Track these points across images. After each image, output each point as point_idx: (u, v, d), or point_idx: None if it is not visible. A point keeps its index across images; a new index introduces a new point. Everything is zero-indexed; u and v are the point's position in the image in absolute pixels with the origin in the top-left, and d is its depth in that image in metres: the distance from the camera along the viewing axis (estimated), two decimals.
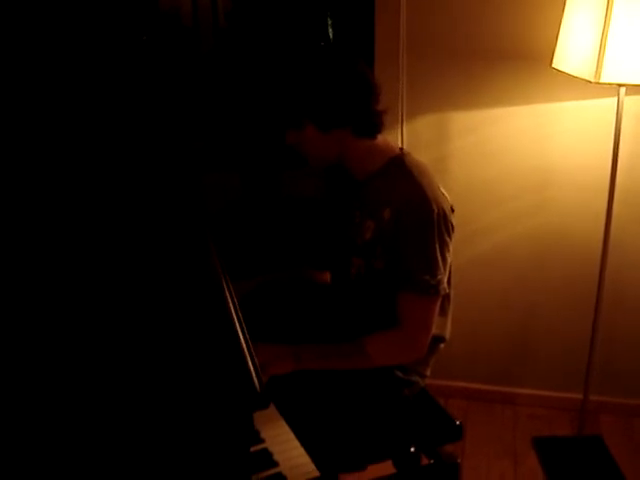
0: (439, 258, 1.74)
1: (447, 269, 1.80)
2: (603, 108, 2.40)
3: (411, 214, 1.72)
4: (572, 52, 2.13)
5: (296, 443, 1.51)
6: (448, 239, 1.78)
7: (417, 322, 1.80)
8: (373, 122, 1.79)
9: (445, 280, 1.78)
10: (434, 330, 1.86)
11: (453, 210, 1.81)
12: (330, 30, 4.71)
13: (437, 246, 1.73)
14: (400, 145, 2.52)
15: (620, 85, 2.12)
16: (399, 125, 2.56)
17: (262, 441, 1.48)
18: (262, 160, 4.16)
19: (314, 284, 2.19)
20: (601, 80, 1.98)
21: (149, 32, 4.31)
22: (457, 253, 1.93)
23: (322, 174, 2.12)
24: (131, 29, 3.97)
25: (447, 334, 1.95)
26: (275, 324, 2.02)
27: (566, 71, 2.16)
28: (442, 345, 1.96)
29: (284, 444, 1.49)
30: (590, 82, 2.01)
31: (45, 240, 1.36)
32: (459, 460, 2.01)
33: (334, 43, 4.51)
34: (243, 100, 4.19)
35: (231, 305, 1.19)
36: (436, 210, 1.72)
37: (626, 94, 2.17)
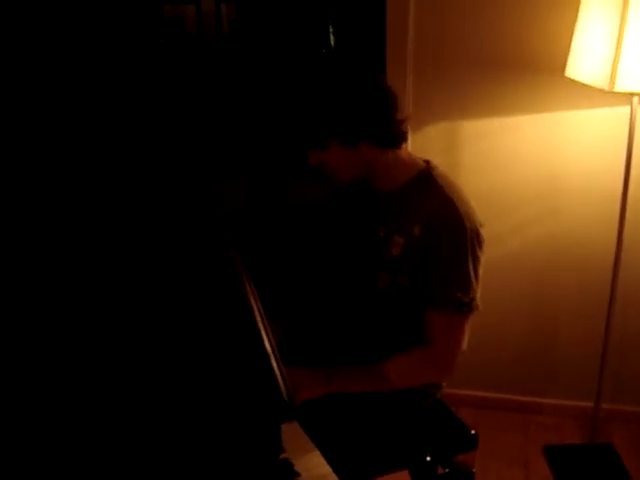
0: (472, 275, 1.71)
1: (479, 284, 1.77)
2: (616, 117, 2.40)
3: (443, 231, 1.70)
4: (586, 61, 2.13)
5: (316, 453, 1.50)
6: (480, 254, 1.75)
7: (448, 341, 1.76)
8: (397, 131, 1.75)
9: (478, 297, 1.75)
10: None
11: (482, 225, 1.78)
12: (332, 38, 4.72)
13: (470, 263, 1.71)
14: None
15: (633, 94, 2.13)
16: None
17: (283, 451, 1.48)
18: (269, 168, 4.15)
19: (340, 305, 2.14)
20: (615, 89, 1.98)
21: (160, 37, 4.32)
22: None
23: (328, 183, 2.07)
24: (144, 34, 3.97)
25: (465, 346, 1.94)
26: (306, 348, 2.01)
27: (580, 80, 2.17)
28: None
29: (305, 454, 1.49)
30: (604, 91, 2.01)
31: (54, 253, 1.36)
32: (474, 469, 2.00)
33: (335, 50, 4.52)
34: (249, 106, 4.20)
35: (257, 315, 1.18)
36: (469, 227, 1.69)
37: (639, 103, 2.17)
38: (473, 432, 1.94)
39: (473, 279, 1.72)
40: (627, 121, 2.21)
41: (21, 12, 3.20)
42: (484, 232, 1.77)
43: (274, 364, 1.12)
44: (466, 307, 1.72)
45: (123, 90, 3.68)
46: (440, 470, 1.97)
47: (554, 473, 2.56)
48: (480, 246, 1.75)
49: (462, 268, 1.70)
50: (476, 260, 1.73)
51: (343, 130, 1.68)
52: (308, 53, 4.33)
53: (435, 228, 1.70)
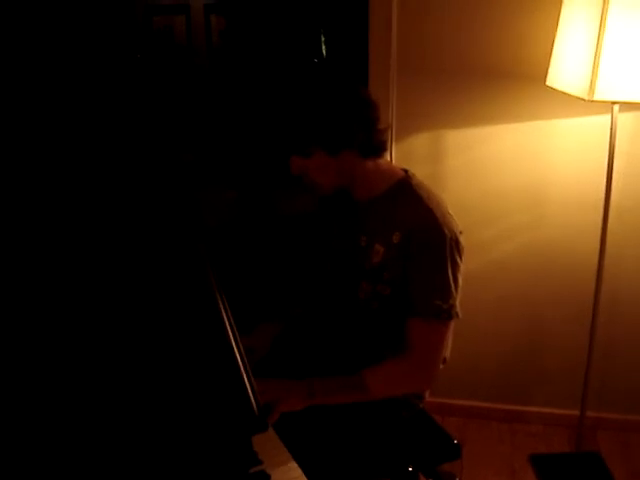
0: (451, 282, 1.72)
1: (459, 292, 1.77)
2: (597, 125, 2.41)
3: (422, 239, 1.71)
4: (566, 70, 2.15)
5: (294, 464, 1.49)
6: (459, 261, 1.75)
7: (428, 349, 1.75)
8: (378, 140, 1.77)
9: (457, 304, 1.74)
10: None
11: (461, 232, 1.78)
12: (323, 47, 4.74)
13: (449, 270, 1.71)
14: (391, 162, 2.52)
15: (614, 103, 2.14)
16: (389, 143, 2.56)
17: (261, 462, 1.47)
18: (257, 176, 4.16)
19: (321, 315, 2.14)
20: (595, 98, 1.98)
21: (143, 50, 4.33)
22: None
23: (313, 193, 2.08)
24: (125, 47, 3.98)
25: (448, 354, 1.94)
26: (289, 358, 2.00)
27: (560, 89, 2.18)
28: (442, 366, 1.94)
29: (282, 465, 1.48)
30: (584, 100, 2.01)
31: (37, 256, 1.35)
32: (458, 479, 2.00)
33: (327, 60, 4.53)
34: (238, 116, 4.20)
35: (228, 328, 1.18)
36: (447, 234, 1.70)
37: (620, 111, 2.18)
38: (456, 442, 1.94)
39: (452, 286, 1.72)
40: (608, 129, 2.21)
41: (15, 18, 3.21)
42: (465, 240, 1.78)
43: (244, 377, 1.12)
44: (445, 314, 1.72)
45: (111, 100, 3.68)
46: None
47: None
48: (459, 253, 1.76)
49: (441, 275, 1.71)
50: (455, 267, 1.74)
51: (327, 138, 1.70)
52: (299, 63, 4.34)
53: (414, 236, 1.71)
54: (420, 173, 1.88)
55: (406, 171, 1.86)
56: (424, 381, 1.82)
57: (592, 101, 2.00)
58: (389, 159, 2.56)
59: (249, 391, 1.11)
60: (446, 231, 1.70)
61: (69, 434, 1.08)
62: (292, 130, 1.73)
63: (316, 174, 1.77)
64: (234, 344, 1.15)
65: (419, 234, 1.71)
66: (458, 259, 1.75)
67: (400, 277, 1.75)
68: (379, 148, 1.79)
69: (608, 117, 2.21)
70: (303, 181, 1.81)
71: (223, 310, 1.20)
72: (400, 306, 1.77)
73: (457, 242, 1.74)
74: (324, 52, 4.70)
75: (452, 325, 1.78)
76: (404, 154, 2.59)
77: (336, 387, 1.77)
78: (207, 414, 1.11)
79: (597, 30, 1.95)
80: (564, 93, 2.15)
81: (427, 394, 1.97)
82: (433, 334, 1.75)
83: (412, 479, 1.90)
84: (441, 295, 1.71)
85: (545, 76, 2.27)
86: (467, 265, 2.68)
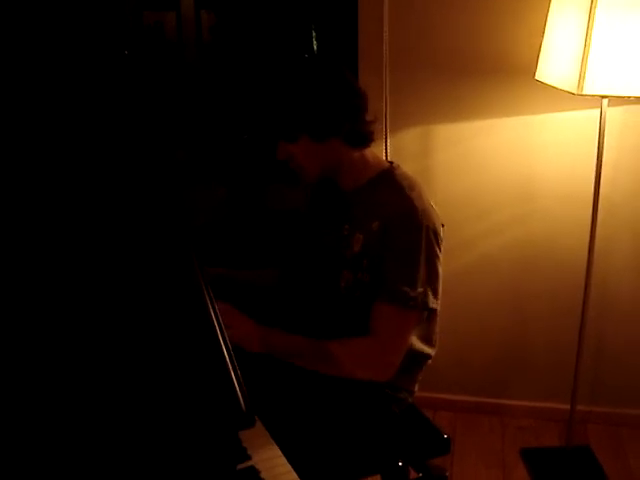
0: (423, 272, 1.72)
1: (437, 283, 1.77)
2: (586, 119, 2.42)
3: (399, 226, 1.72)
4: (555, 64, 2.15)
5: (283, 460, 1.49)
6: (438, 252, 1.76)
7: (390, 335, 1.75)
8: (365, 131, 1.79)
9: (429, 294, 1.74)
10: (421, 346, 1.86)
11: (443, 225, 1.80)
12: (314, 42, 4.73)
13: (422, 259, 1.72)
14: (384, 157, 2.52)
15: (603, 97, 2.13)
16: (383, 137, 2.56)
17: (249, 458, 1.47)
18: (248, 173, 4.15)
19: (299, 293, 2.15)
20: (584, 92, 1.99)
21: (132, 46, 4.31)
22: (442, 265, 1.92)
23: (307, 187, 2.10)
24: (113, 43, 3.97)
25: (433, 350, 1.94)
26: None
27: (549, 83, 2.18)
28: (429, 361, 1.95)
29: (271, 461, 1.48)
30: (573, 94, 2.01)
31: (28, 251, 1.35)
32: (447, 473, 2.00)
33: (318, 54, 4.52)
34: (230, 113, 4.19)
35: (215, 322, 1.18)
36: (425, 223, 1.71)
37: (609, 105, 2.18)
38: (446, 436, 1.94)
39: (424, 276, 1.72)
40: (597, 123, 2.21)
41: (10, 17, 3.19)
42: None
43: (232, 372, 1.12)
44: (412, 301, 1.71)
45: (101, 96, 3.67)
46: (413, 474, 1.97)
47: (532, 475, 2.57)
48: (438, 244, 1.77)
49: (412, 263, 1.71)
50: (432, 257, 1.74)
51: (314, 125, 1.72)
52: (289, 57, 4.33)
53: (391, 223, 1.73)
54: (411, 168, 1.88)
55: (392, 163, 1.87)
56: (384, 366, 1.78)
57: (581, 95, 2.00)
58: (384, 154, 2.56)
59: (236, 387, 1.10)
60: (424, 221, 1.72)
61: (59, 431, 1.08)
62: (278, 115, 1.76)
63: (301, 159, 1.79)
64: (221, 339, 1.15)
65: (396, 221, 1.73)
66: (437, 250, 1.76)
67: (378, 264, 1.76)
68: (366, 138, 1.81)
69: (597, 111, 2.21)
70: (289, 166, 1.83)
71: (210, 306, 1.19)
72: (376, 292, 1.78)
73: (435, 233, 1.75)
74: (315, 48, 4.69)
75: (419, 315, 1.78)
76: (396, 149, 2.59)
77: (295, 345, 1.78)
78: (194, 409, 1.11)
79: (586, 24, 1.95)
80: (553, 87, 2.15)
81: (416, 387, 1.97)
82: (398, 320, 1.75)
83: (402, 474, 1.90)
84: (410, 282, 1.71)
85: (534, 70, 2.27)
86: (457, 259, 2.72)
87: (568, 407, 2.55)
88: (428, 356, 1.92)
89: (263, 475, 1.44)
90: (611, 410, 2.82)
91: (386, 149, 2.57)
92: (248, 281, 2.18)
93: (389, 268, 1.73)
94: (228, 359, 1.13)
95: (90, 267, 1.32)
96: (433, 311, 1.83)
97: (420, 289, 1.72)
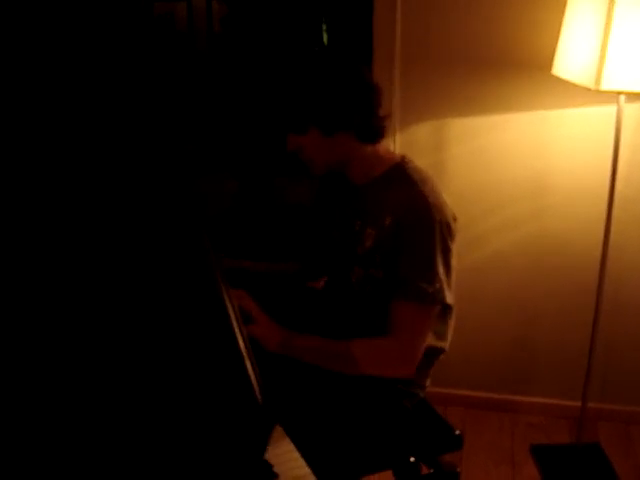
0: (439, 267, 1.70)
1: (451, 278, 1.76)
2: (603, 115, 2.40)
3: (412, 222, 1.70)
4: (572, 59, 2.13)
5: (296, 454, 1.48)
6: (451, 246, 1.74)
7: (410, 332, 1.74)
8: (376, 126, 1.77)
9: (446, 289, 1.73)
10: (434, 342, 1.84)
11: (455, 219, 1.78)
12: (325, 35, 4.72)
13: (438, 254, 1.70)
14: (394, 150, 2.50)
15: (620, 93, 2.12)
16: (393, 131, 2.55)
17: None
18: (257, 166, 4.15)
19: (311, 289, 2.15)
20: (601, 87, 1.97)
21: (144, 36, 4.31)
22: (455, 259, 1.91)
23: (316, 181, 2.09)
24: (126, 34, 3.96)
25: (447, 345, 1.92)
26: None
27: (566, 78, 2.16)
28: (442, 356, 1.94)
29: (284, 455, 1.47)
30: (590, 89, 2.00)
31: (37, 246, 1.34)
32: (459, 469, 1.99)
33: (328, 48, 4.51)
34: (240, 104, 4.19)
35: (232, 317, 1.17)
36: (438, 218, 1.69)
37: (626, 101, 2.16)
38: (458, 432, 1.93)
39: (440, 271, 1.71)
40: (614, 119, 2.19)
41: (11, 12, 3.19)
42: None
43: (248, 365, 1.11)
44: (429, 297, 1.70)
45: (112, 88, 3.66)
46: (425, 470, 1.96)
47: (541, 472, 2.56)
48: (451, 238, 1.75)
49: (428, 259, 1.70)
50: (446, 252, 1.73)
51: (323, 117, 1.71)
52: (301, 50, 4.33)
53: (404, 218, 1.71)
54: (423, 162, 1.87)
55: (403, 157, 1.85)
56: (405, 364, 1.77)
57: (598, 91, 1.98)
58: (393, 147, 2.55)
59: (253, 381, 1.10)
60: (436, 215, 1.70)
61: (72, 431, 1.07)
62: (287, 106, 1.75)
63: (310, 151, 1.78)
64: (238, 333, 1.14)
65: (409, 216, 1.71)
66: (450, 243, 1.74)
67: (391, 260, 1.75)
68: (377, 134, 1.80)
69: (614, 107, 2.19)
70: (299, 157, 1.82)
71: (227, 299, 1.18)
72: (391, 289, 1.76)
73: (448, 226, 1.73)
74: (325, 40, 4.68)
75: (437, 310, 1.76)
76: (407, 143, 2.58)
77: (317, 343, 1.76)
78: (210, 404, 1.10)
79: (604, 19, 1.93)
80: (570, 82, 2.13)
81: (428, 382, 1.96)
82: (416, 317, 1.74)
83: (414, 469, 1.90)
84: (427, 278, 1.70)
85: (551, 65, 2.25)
86: (470, 254, 2.70)
87: (579, 404, 2.54)
88: (442, 350, 1.91)
89: (276, 469, 1.44)
90: (622, 408, 2.81)
91: (395, 143, 2.56)
92: (270, 274, 2.17)
93: (404, 265, 1.72)
94: (245, 353, 1.12)
95: (104, 258, 1.31)
96: (449, 307, 1.81)
97: (437, 285, 1.70)
